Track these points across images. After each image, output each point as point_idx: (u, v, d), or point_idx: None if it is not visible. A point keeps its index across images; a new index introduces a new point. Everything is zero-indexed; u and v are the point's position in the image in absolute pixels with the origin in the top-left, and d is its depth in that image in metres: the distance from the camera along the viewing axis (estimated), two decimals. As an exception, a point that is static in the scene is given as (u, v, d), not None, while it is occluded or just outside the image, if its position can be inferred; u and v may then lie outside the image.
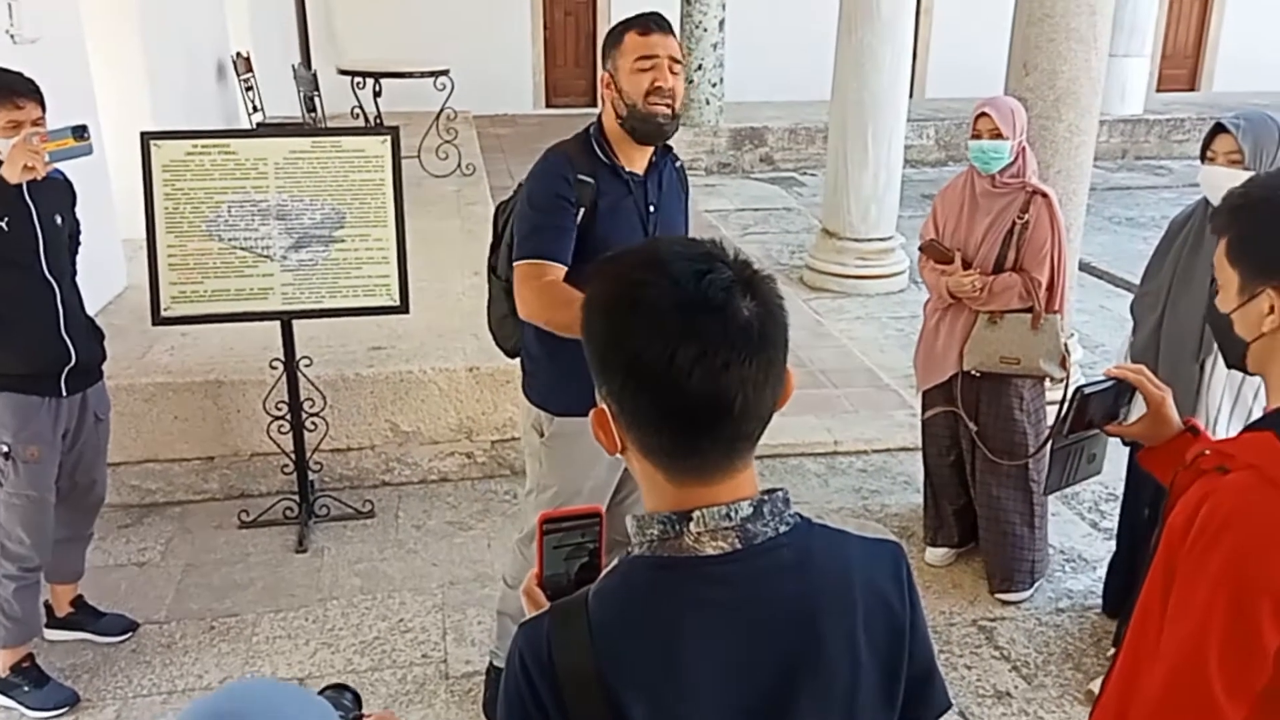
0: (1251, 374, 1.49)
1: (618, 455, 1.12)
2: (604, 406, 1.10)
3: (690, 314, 1.01)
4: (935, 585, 3.74)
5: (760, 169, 11.67)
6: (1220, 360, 2.93)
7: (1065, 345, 3.38)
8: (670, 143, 2.68)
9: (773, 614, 1.07)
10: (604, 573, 1.13)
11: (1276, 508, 1.26)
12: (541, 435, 2.74)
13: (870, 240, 7.07)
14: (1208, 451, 1.41)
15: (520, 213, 2.61)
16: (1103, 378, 1.77)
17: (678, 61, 2.53)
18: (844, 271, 7.07)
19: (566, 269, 2.52)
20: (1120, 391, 1.77)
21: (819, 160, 10.41)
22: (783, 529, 1.09)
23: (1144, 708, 1.33)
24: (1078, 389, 1.75)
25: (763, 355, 1.03)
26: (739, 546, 1.06)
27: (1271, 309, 1.37)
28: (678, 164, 2.79)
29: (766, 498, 1.09)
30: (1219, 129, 2.90)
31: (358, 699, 1.38)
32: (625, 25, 2.55)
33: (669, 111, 2.51)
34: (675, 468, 1.07)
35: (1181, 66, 17.13)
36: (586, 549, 1.27)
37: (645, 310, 1.02)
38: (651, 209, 2.64)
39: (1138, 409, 1.77)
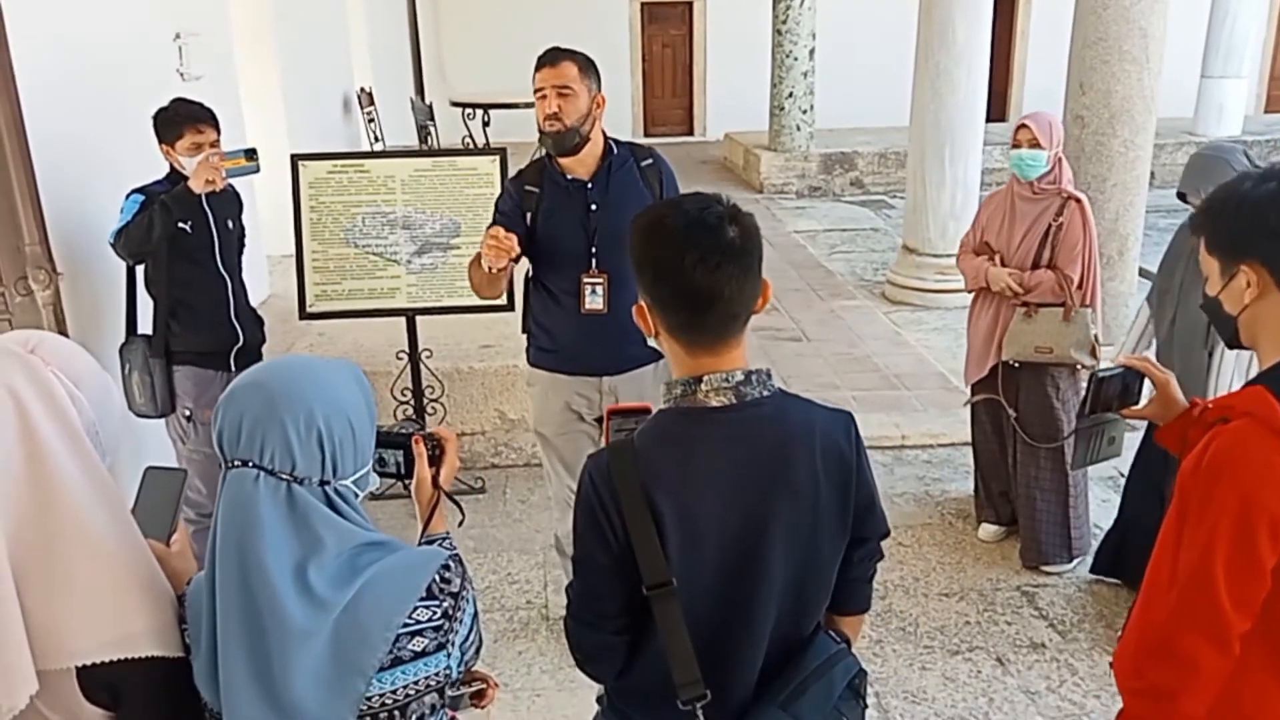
0: (1245, 348, 1.72)
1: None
2: (642, 303, 1.59)
3: (694, 232, 1.50)
4: (985, 557, 4.12)
5: (851, 192, 12.03)
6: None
7: (1095, 336, 3.74)
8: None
9: (758, 447, 1.54)
10: (644, 422, 1.62)
11: (1269, 446, 1.51)
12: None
13: (948, 256, 7.35)
14: (1211, 405, 1.68)
15: None
16: (1114, 365, 2.10)
17: (567, 87, 2.99)
18: (923, 285, 7.44)
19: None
20: (1131, 377, 2.07)
21: (906, 182, 10.72)
22: (765, 393, 1.57)
23: (1162, 621, 1.51)
24: (1092, 373, 2.09)
25: (742, 261, 1.51)
26: (734, 401, 1.54)
27: (1249, 283, 1.62)
28: (645, 162, 3.19)
29: (755, 370, 1.57)
30: None
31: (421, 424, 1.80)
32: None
33: (558, 129, 3.00)
34: (688, 339, 1.56)
35: (1289, 87, 16.94)
36: None
37: (666, 230, 1.52)
38: (593, 208, 3.11)
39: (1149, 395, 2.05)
